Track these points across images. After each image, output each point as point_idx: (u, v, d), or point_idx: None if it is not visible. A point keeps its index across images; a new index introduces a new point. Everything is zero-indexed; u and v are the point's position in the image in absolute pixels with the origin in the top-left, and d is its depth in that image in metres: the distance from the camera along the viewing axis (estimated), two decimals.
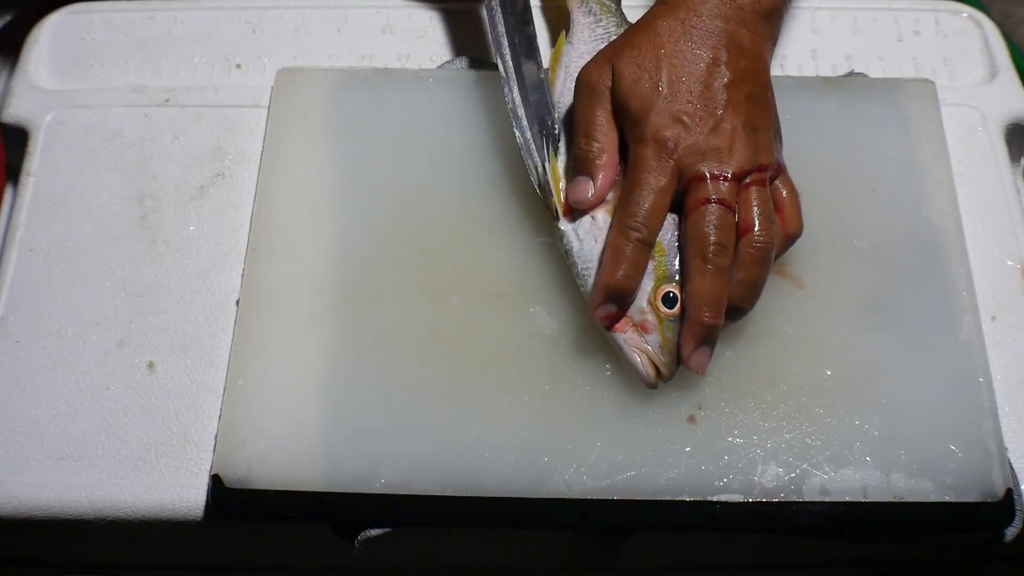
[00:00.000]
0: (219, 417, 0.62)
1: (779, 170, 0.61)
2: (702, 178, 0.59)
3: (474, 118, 0.70)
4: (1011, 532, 0.60)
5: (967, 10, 0.78)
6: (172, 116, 0.72)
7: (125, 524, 0.60)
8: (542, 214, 0.65)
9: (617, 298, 0.59)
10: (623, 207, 0.60)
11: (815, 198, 0.66)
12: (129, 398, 0.63)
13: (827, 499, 0.58)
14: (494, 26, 0.67)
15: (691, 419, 0.60)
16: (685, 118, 0.59)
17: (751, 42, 0.62)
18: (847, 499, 0.58)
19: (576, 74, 0.64)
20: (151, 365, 0.64)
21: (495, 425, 0.60)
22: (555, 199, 0.62)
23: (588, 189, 0.61)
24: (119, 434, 0.62)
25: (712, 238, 0.58)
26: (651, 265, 0.60)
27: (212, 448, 0.61)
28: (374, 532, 0.59)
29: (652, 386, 0.59)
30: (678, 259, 0.60)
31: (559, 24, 0.73)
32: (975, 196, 0.70)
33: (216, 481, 0.59)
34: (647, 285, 0.60)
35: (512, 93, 0.65)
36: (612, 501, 0.58)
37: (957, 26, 0.77)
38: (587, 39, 0.69)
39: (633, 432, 0.60)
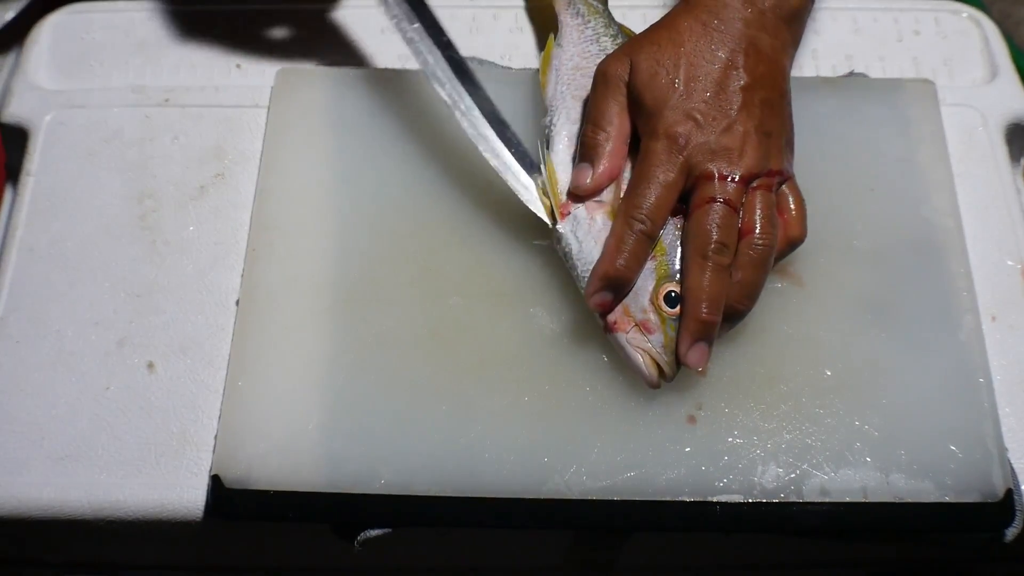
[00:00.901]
0: (219, 417, 0.62)
1: (787, 177, 0.62)
2: (710, 177, 0.59)
3: None
4: (1011, 532, 0.60)
5: (967, 10, 0.78)
6: (172, 116, 0.72)
7: (125, 524, 0.60)
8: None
9: (614, 287, 0.59)
10: (629, 198, 0.60)
11: (815, 198, 0.66)
12: (129, 398, 0.63)
13: (827, 499, 0.58)
14: (403, 31, 0.67)
15: (691, 419, 0.60)
16: (699, 116, 0.59)
17: (771, 47, 0.62)
18: (847, 499, 0.58)
19: (568, 76, 0.65)
20: (151, 365, 0.64)
21: (495, 425, 0.60)
22: (553, 202, 0.62)
23: (587, 175, 0.62)
24: (119, 434, 0.62)
25: (714, 236, 0.58)
26: (652, 264, 0.60)
27: (212, 448, 0.61)
28: (374, 532, 0.59)
29: (655, 386, 0.59)
30: (679, 259, 0.60)
31: (546, 27, 0.72)
32: (975, 196, 0.70)
33: (216, 481, 0.59)
34: (648, 285, 0.60)
35: (470, 116, 0.65)
36: (612, 501, 0.58)
37: (957, 26, 0.77)
38: (576, 41, 0.69)
39: (633, 432, 0.60)
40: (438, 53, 0.66)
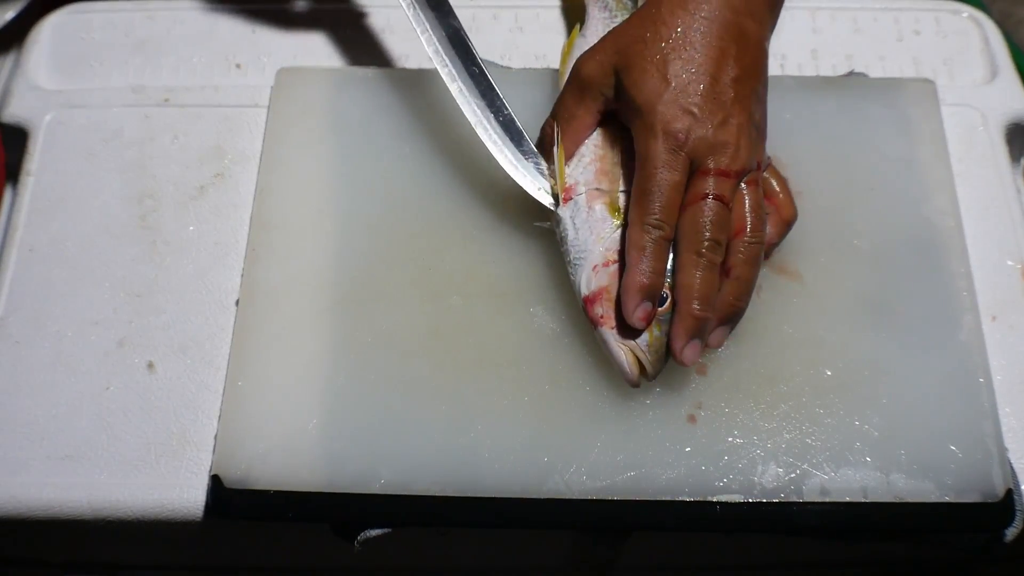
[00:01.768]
0: (219, 417, 0.62)
1: (768, 164, 0.62)
2: (706, 172, 0.58)
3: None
4: (1011, 532, 0.60)
5: (967, 10, 0.78)
6: (172, 116, 0.72)
7: (125, 524, 0.60)
8: (542, 205, 0.64)
9: (651, 296, 0.58)
10: (640, 204, 0.59)
11: (815, 198, 0.66)
12: (129, 398, 0.63)
13: (827, 499, 0.58)
14: (419, 23, 0.67)
15: (691, 419, 0.60)
16: (695, 110, 0.59)
17: (756, 34, 0.61)
18: (847, 499, 0.58)
19: None
20: (151, 365, 0.64)
21: (495, 425, 0.60)
22: (558, 185, 0.62)
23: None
24: (119, 434, 0.62)
25: (707, 234, 0.58)
26: None
27: (212, 448, 0.61)
28: (374, 532, 0.59)
29: (635, 384, 0.59)
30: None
31: (574, 16, 0.72)
32: (975, 196, 0.70)
33: (216, 481, 0.59)
34: None
35: (478, 105, 0.65)
36: (612, 501, 0.58)
37: (957, 26, 0.77)
38: (600, 33, 0.68)
39: (633, 432, 0.60)
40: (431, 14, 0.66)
